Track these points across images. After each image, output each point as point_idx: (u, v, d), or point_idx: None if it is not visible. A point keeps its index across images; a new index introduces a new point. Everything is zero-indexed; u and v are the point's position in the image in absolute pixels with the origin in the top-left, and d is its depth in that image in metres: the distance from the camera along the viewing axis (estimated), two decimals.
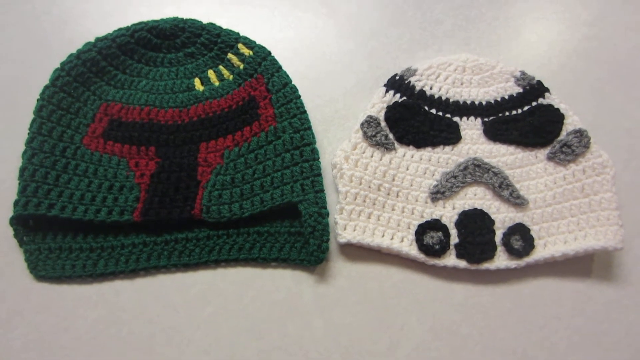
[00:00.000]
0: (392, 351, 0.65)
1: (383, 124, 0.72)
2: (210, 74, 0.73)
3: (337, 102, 0.78)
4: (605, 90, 0.79)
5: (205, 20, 0.75)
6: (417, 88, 0.74)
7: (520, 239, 0.68)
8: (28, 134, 0.69)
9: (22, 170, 0.67)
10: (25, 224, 0.68)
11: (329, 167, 0.72)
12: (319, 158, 0.69)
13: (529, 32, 0.84)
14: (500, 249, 0.68)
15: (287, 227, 0.69)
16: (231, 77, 0.73)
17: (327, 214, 0.66)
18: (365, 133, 0.71)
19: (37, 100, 0.70)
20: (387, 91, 0.74)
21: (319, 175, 0.67)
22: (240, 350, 0.64)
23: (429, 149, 0.72)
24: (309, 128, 0.70)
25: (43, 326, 0.65)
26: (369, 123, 0.71)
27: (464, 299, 0.67)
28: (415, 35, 0.83)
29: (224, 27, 0.75)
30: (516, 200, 0.69)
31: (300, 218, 0.66)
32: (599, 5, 0.85)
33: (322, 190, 0.67)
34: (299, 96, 0.71)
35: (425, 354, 0.65)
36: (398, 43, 0.82)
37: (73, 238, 0.68)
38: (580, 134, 0.70)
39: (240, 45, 0.73)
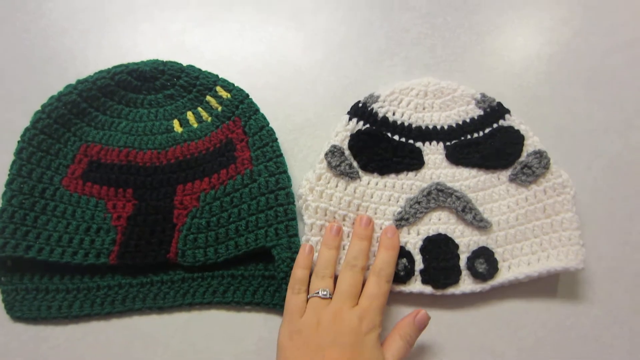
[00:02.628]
0: None
1: (347, 152, 0.71)
2: (189, 115, 0.72)
3: (307, 112, 0.77)
4: (568, 93, 0.79)
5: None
6: (380, 115, 0.72)
7: (485, 262, 0.66)
8: (8, 175, 0.67)
9: (1, 211, 0.66)
10: (3, 265, 0.66)
11: (299, 176, 0.71)
12: (294, 202, 0.67)
13: (492, 38, 0.84)
14: (465, 273, 0.67)
15: (262, 270, 0.67)
16: (210, 119, 0.71)
17: None
18: (329, 163, 0.69)
19: (18, 142, 0.68)
20: (350, 119, 0.72)
21: (294, 219, 0.66)
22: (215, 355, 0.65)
23: (393, 175, 0.71)
24: (285, 172, 0.68)
25: None
26: (333, 153, 0.69)
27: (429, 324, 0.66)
28: (382, 45, 0.82)
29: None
30: (479, 224, 0.68)
31: (274, 262, 0.64)
32: (561, 11, 0.85)
33: (296, 235, 0.65)
34: (276, 139, 0.70)
35: None
36: (365, 53, 0.82)
37: (49, 279, 0.67)
38: (540, 154, 0.69)
39: (218, 88, 0.71)
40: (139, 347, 0.65)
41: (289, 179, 0.68)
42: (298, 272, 0.62)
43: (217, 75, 0.72)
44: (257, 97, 0.72)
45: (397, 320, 0.64)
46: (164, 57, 0.73)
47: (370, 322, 0.59)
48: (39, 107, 0.69)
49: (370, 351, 0.57)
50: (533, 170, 0.68)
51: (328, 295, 0.60)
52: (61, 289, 0.66)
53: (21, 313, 0.65)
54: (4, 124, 0.74)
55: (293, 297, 0.61)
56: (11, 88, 0.77)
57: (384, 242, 0.65)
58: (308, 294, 0.62)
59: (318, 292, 0.60)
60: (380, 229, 0.68)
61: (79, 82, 0.70)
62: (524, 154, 0.70)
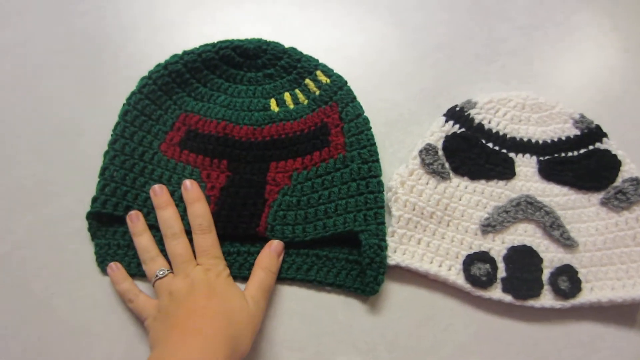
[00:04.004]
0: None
1: (440, 152, 0.72)
2: (287, 96, 0.73)
3: (401, 107, 0.78)
4: None
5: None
6: (476, 121, 0.73)
7: (568, 280, 0.66)
8: (112, 135, 0.70)
9: (103, 169, 0.69)
10: (99, 220, 0.69)
11: (387, 170, 0.72)
12: (383, 191, 0.68)
13: (592, 58, 0.83)
14: (546, 288, 0.66)
15: (346, 254, 0.68)
16: (306, 101, 0.72)
17: (387, 247, 0.65)
18: (423, 160, 0.70)
19: (123, 105, 0.71)
20: (446, 121, 0.73)
21: (382, 207, 0.67)
22: (290, 332, 0.66)
23: (483, 181, 0.71)
24: (377, 160, 0.69)
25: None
26: (428, 151, 0.71)
27: (501, 333, 0.67)
28: (479, 51, 0.82)
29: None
30: (566, 242, 0.67)
31: (360, 247, 0.65)
32: None
33: (384, 223, 0.66)
34: (370, 128, 0.70)
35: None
36: (462, 57, 0.82)
37: None
38: (636, 182, 0.68)
39: (318, 73, 0.73)
40: None
41: (380, 168, 0.68)
42: (121, 286, 0.66)
43: (317, 60, 0.73)
44: (352, 87, 0.73)
45: (462, 313, 0.67)
46: (268, 38, 0.75)
47: (214, 271, 0.63)
48: (145, 74, 0.72)
49: (224, 288, 0.61)
50: (628, 197, 0.68)
51: (167, 272, 0.63)
52: None
53: None
54: (109, 88, 0.78)
55: (137, 304, 0.64)
56: (119, 54, 0.81)
57: (187, 198, 0.67)
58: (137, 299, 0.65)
59: (157, 275, 0.63)
60: (466, 231, 0.69)
61: (185, 52, 0.73)
62: (619, 179, 0.69)
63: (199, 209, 0.66)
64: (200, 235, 0.65)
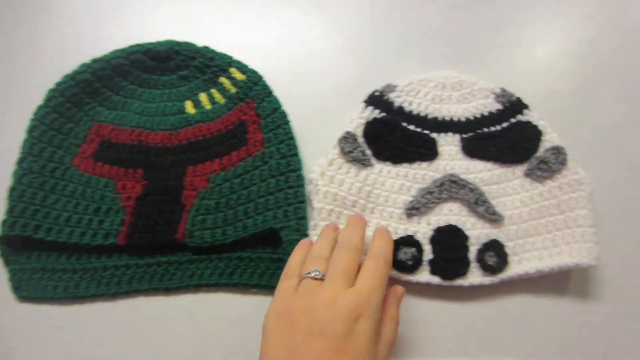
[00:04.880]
0: None
1: (361, 140, 0.70)
2: (202, 97, 0.71)
3: (323, 99, 0.77)
4: (590, 90, 0.78)
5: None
6: (396, 104, 0.72)
7: (495, 255, 0.65)
8: (20, 153, 0.67)
9: (12, 190, 0.65)
10: (12, 245, 0.65)
11: (311, 163, 0.70)
12: (304, 185, 0.66)
13: (515, 33, 0.83)
14: (474, 265, 0.65)
15: (269, 253, 0.66)
16: (223, 100, 0.70)
17: None
18: (342, 149, 0.69)
19: (30, 120, 0.68)
20: (366, 107, 0.72)
21: (303, 202, 0.65)
22: (218, 339, 0.65)
23: (406, 164, 0.70)
24: (296, 154, 0.67)
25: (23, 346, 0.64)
26: (347, 139, 0.69)
27: (434, 316, 0.66)
28: (402, 35, 0.82)
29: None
30: (492, 217, 0.67)
31: (282, 245, 0.63)
32: (590, 7, 0.84)
33: (305, 218, 0.64)
34: (288, 122, 0.69)
35: None
36: (386, 42, 0.81)
37: (56, 259, 0.66)
38: (557, 150, 0.68)
39: (233, 70, 0.71)
40: (144, 328, 0.64)
41: (299, 161, 0.67)
42: (295, 258, 0.59)
43: (231, 57, 0.72)
44: (274, 82, 0.71)
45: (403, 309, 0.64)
46: (185, 38, 0.73)
47: (366, 304, 0.51)
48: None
49: (361, 344, 0.50)
50: (549, 165, 0.67)
51: (320, 275, 0.54)
52: (68, 269, 0.65)
53: (27, 293, 0.64)
54: (19, 103, 0.73)
55: (285, 281, 0.56)
56: (29, 67, 0.78)
57: (378, 234, 0.61)
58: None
59: (310, 273, 0.54)
60: (390, 217, 0.68)
61: (94, 60, 0.70)
62: (541, 149, 0.69)
63: (387, 244, 0.60)
64: (375, 262, 0.56)
